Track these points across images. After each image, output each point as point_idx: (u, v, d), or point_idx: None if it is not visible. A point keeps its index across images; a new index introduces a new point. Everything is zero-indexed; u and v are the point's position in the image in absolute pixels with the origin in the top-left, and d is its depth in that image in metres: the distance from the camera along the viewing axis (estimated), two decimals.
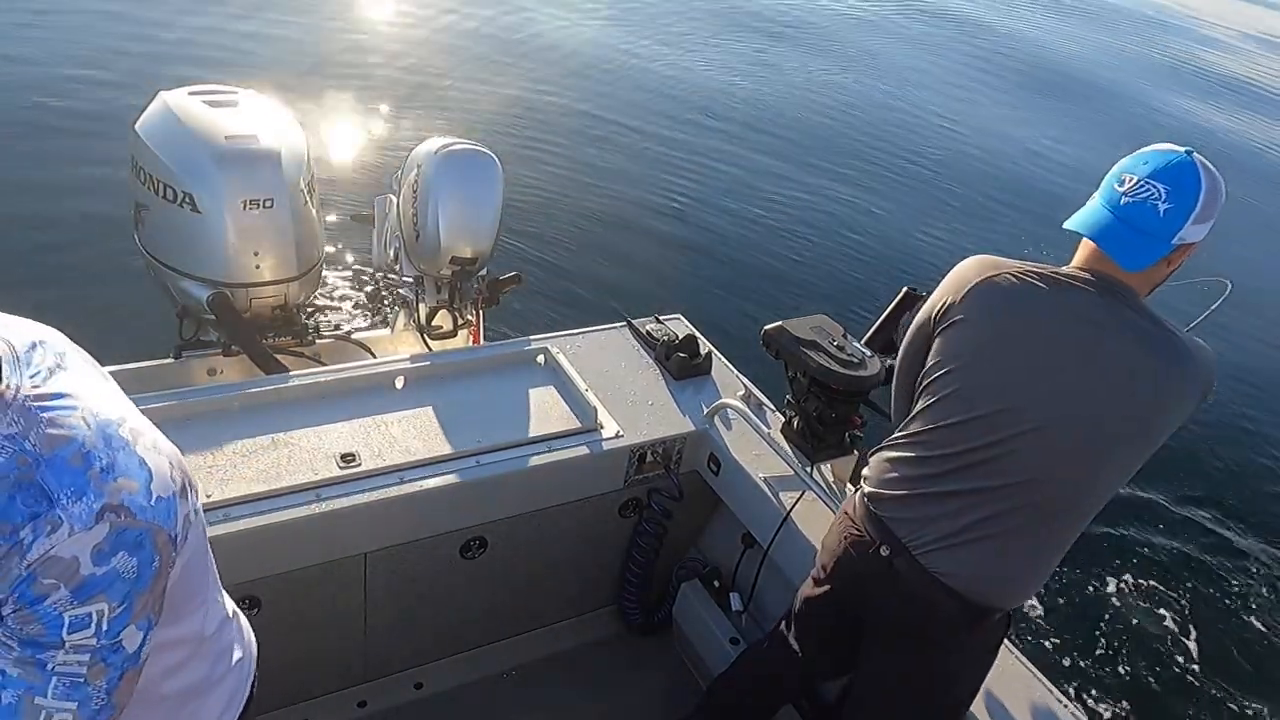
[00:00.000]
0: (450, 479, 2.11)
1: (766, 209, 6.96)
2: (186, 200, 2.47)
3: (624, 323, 2.78)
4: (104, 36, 7.38)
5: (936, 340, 1.75)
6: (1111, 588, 4.30)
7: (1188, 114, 12.42)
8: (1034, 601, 3.98)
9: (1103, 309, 1.62)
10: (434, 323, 2.91)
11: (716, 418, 2.46)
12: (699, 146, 7.76)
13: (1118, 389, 1.60)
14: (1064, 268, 1.70)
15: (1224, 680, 3.96)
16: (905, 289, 2.29)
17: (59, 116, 6.07)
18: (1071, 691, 3.62)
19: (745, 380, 2.65)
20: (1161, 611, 4.25)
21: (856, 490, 1.88)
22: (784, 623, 2.08)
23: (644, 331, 2.71)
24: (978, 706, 1.89)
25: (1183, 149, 1.60)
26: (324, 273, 2.95)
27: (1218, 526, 4.85)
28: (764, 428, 2.35)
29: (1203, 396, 1.64)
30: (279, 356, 2.70)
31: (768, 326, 2.28)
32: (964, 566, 1.68)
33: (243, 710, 1.34)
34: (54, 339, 1.04)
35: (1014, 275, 1.68)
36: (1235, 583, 4.52)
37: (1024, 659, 2.02)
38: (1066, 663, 3.86)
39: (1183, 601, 4.33)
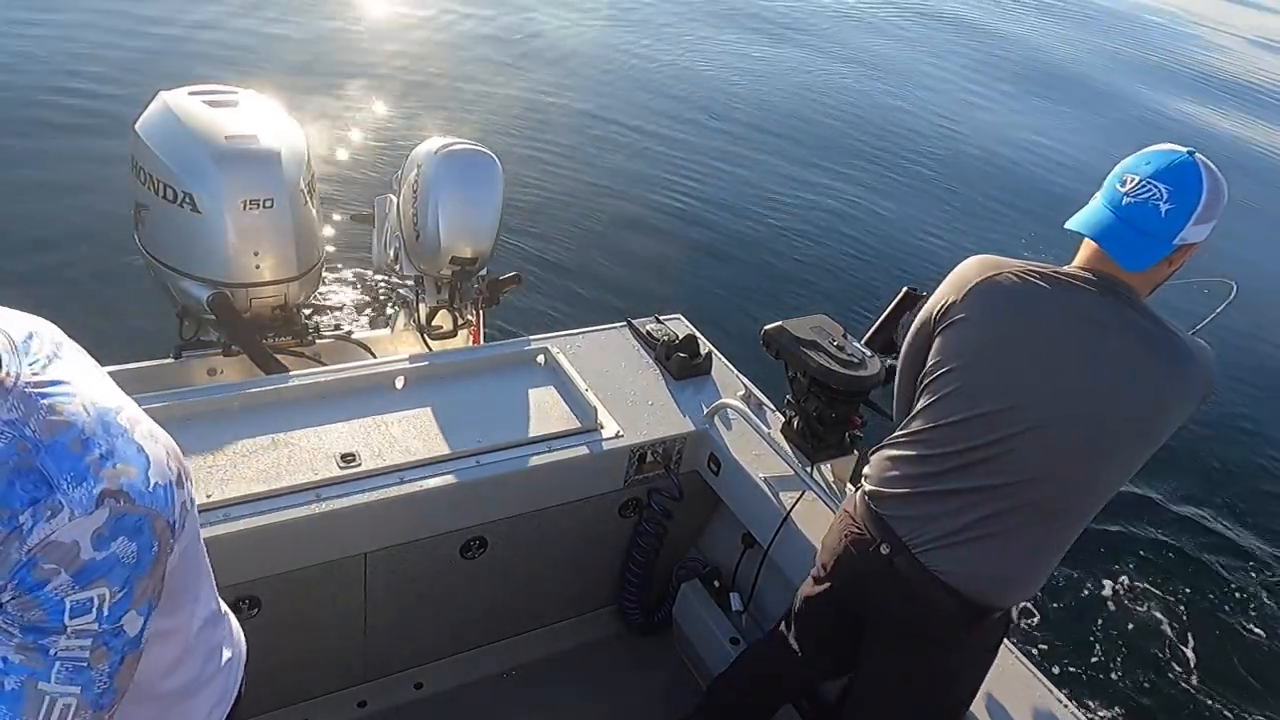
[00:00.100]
0: (450, 479, 2.11)
1: (766, 209, 6.96)
2: (186, 200, 2.47)
3: (624, 323, 2.78)
4: (104, 37, 7.38)
5: (937, 339, 1.76)
6: (1111, 587, 4.30)
7: (1192, 115, 12.42)
8: (1034, 601, 3.98)
9: (1104, 309, 1.62)
10: (434, 323, 2.91)
11: (716, 418, 2.46)
12: (699, 146, 7.76)
13: (1119, 389, 1.60)
14: (1065, 267, 1.70)
15: (1223, 680, 3.96)
16: (905, 289, 2.29)
17: (59, 116, 6.07)
18: (1071, 691, 3.62)
19: (745, 380, 2.65)
20: (1161, 611, 4.25)
21: (857, 489, 1.88)
22: (784, 622, 2.08)
23: (644, 331, 2.72)
24: (978, 706, 1.89)
25: (1185, 149, 1.60)
26: (324, 273, 2.95)
27: (1218, 526, 4.85)
28: (764, 428, 2.35)
29: (1203, 397, 1.64)
30: (279, 356, 2.70)
31: (768, 326, 2.28)
32: (964, 565, 1.68)
33: (231, 709, 1.34)
34: (48, 329, 1.05)
35: (1015, 274, 1.68)
36: (1236, 583, 4.52)
37: (1024, 658, 2.02)
38: (1066, 662, 3.87)
39: (1183, 601, 4.33)
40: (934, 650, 1.79)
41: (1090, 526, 1.73)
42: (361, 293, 4.78)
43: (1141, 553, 4.54)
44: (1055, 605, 4.11)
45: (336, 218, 4.89)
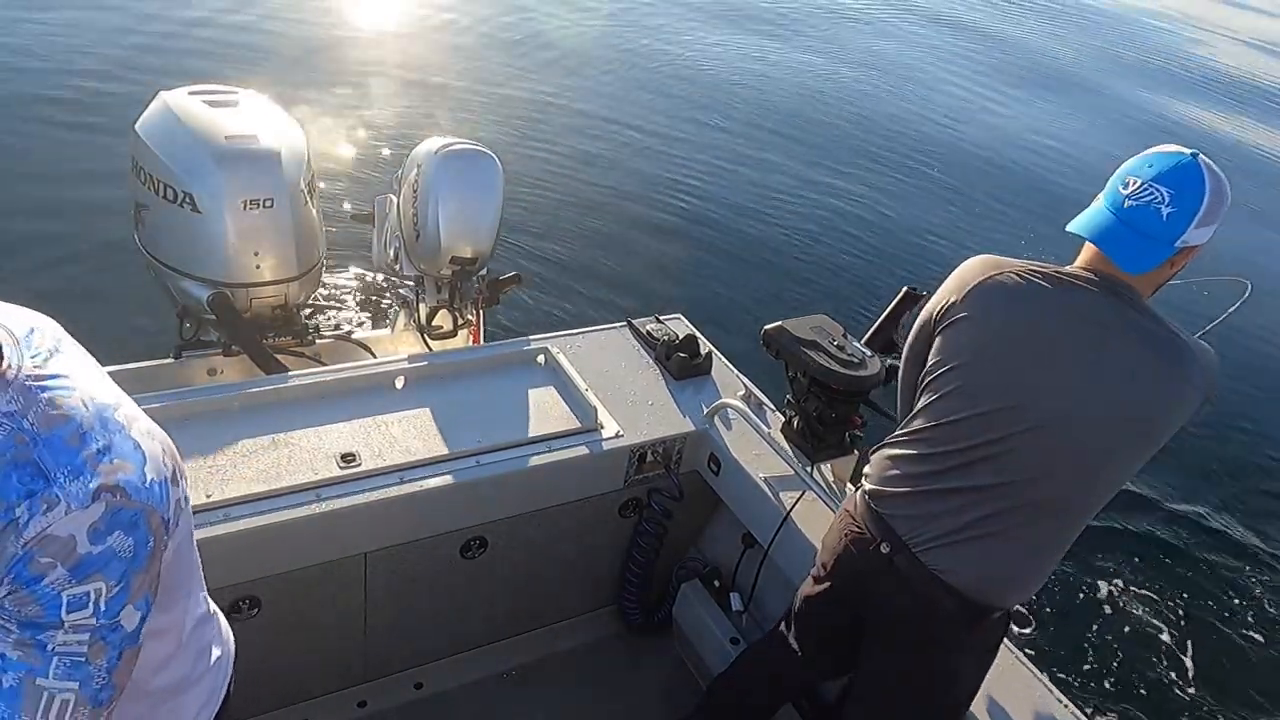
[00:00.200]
0: (450, 479, 2.11)
1: (767, 208, 6.96)
2: (186, 200, 2.47)
3: (624, 322, 2.78)
4: (104, 37, 7.39)
5: (938, 339, 1.76)
6: (1111, 587, 4.30)
7: (1199, 116, 12.40)
8: (1034, 600, 3.97)
9: (1106, 309, 1.62)
10: (434, 323, 2.91)
11: (716, 418, 2.46)
12: (700, 145, 7.76)
13: (1120, 389, 1.60)
14: (1067, 267, 1.70)
15: (1223, 680, 3.96)
16: (905, 288, 2.29)
17: (59, 116, 6.07)
18: (1071, 691, 3.62)
19: (745, 380, 2.65)
20: (1161, 611, 4.25)
21: (857, 489, 1.88)
22: (784, 622, 2.08)
23: (644, 331, 2.72)
24: (977, 706, 1.89)
25: (1189, 151, 1.59)
26: (324, 273, 2.95)
27: (1220, 527, 4.85)
28: (764, 428, 2.35)
29: (1205, 398, 1.63)
30: (279, 356, 2.70)
31: (768, 326, 2.28)
32: (964, 564, 1.68)
33: (220, 709, 1.34)
34: (50, 325, 1.05)
35: (1017, 274, 1.68)
36: (1237, 583, 4.52)
37: (1024, 658, 2.02)
38: (1066, 662, 3.86)
39: (1183, 601, 4.33)
40: (934, 650, 1.79)
41: (1090, 526, 1.73)
42: (361, 293, 4.78)
43: (1142, 552, 4.54)
44: (1055, 605, 4.11)
45: (336, 218, 4.88)
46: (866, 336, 2.30)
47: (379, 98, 7.42)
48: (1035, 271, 1.68)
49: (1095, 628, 4.08)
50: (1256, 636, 4.23)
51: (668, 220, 6.50)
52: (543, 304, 5.20)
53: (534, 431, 2.28)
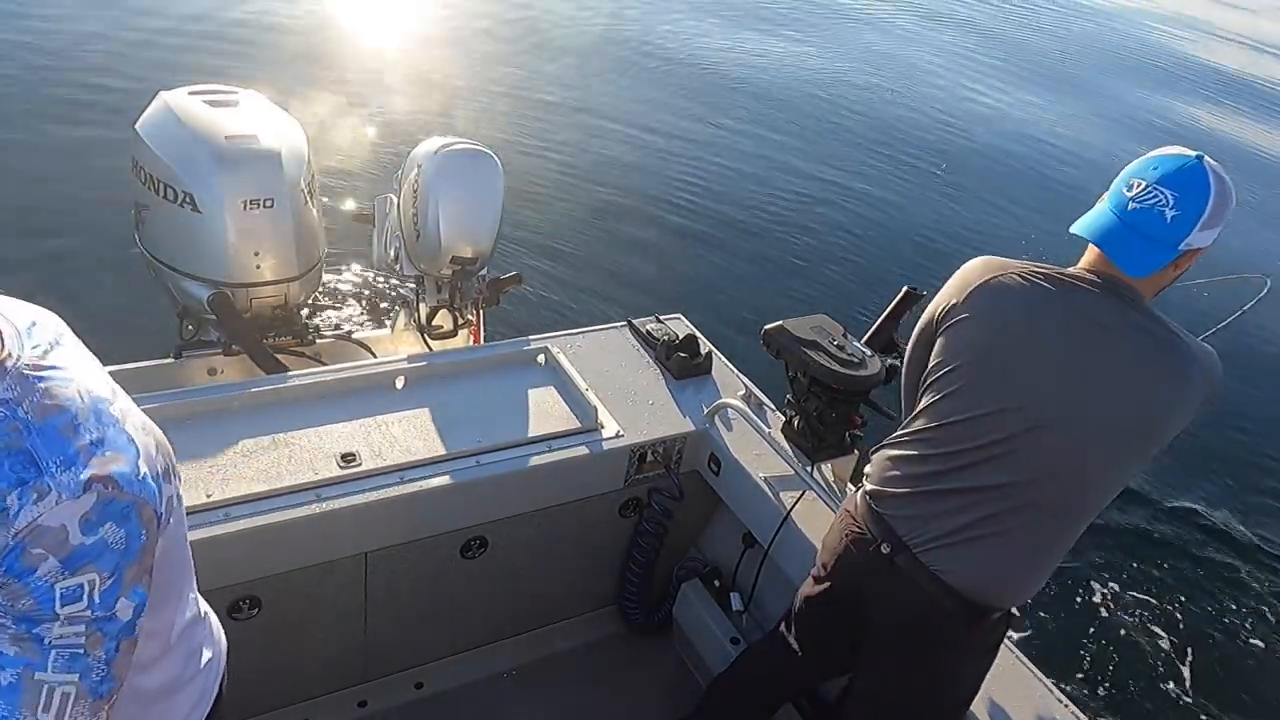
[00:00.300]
0: (450, 479, 2.11)
1: (767, 208, 6.96)
2: (187, 200, 2.47)
3: (624, 322, 2.78)
4: (104, 37, 7.39)
5: (940, 339, 1.76)
6: (1111, 587, 4.30)
7: (1207, 116, 12.40)
8: (1035, 600, 3.97)
9: (1108, 311, 1.62)
10: (434, 322, 2.91)
11: (717, 417, 2.46)
12: (700, 145, 7.76)
13: (1122, 391, 1.60)
14: (1070, 269, 1.70)
15: (1223, 679, 3.96)
16: (905, 288, 2.29)
17: (59, 117, 6.07)
18: (1071, 691, 3.62)
19: (746, 380, 2.65)
20: (1161, 611, 4.25)
21: (858, 489, 1.88)
22: (784, 622, 2.08)
23: (644, 331, 2.71)
24: (978, 706, 1.89)
25: (1194, 153, 1.59)
26: (324, 273, 2.95)
27: (1222, 527, 4.85)
28: (764, 427, 2.35)
29: (1207, 400, 1.63)
30: (279, 356, 2.70)
31: (768, 326, 2.28)
32: (965, 565, 1.68)
33: (211, 711, 1.33)
34: (51, 320, 1.06)
35: (1019, 275, 1.68)
36: (1238, 584, 4.52)
37: (1024, 658, 2.02)
38: (1066, 662, 3.86)
39: (1183, 601, 4.33)
40: (934, 650, 1.79)
41: (1091, 525, 1.72)
42: (362, 293, 4.79)
43: (1143, 552, 4.54)
44: (1055, 605, 4.11)
45: (337, 218, 4.88)
46: (867, 336, 2.30)
47: (379, 97, 7.42)
48: (1037, 273, 1.68)
49: (1095, 628, 4.08)
50: (1257, 636, 4.23)
51: (668, 220, 6.50)
52: (543, 304, 5.20)
53: (534, 431, 2.28)
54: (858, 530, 1.82)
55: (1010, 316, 1.68)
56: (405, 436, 2.18)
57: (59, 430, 0.93)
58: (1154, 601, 4.29)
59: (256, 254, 2.58)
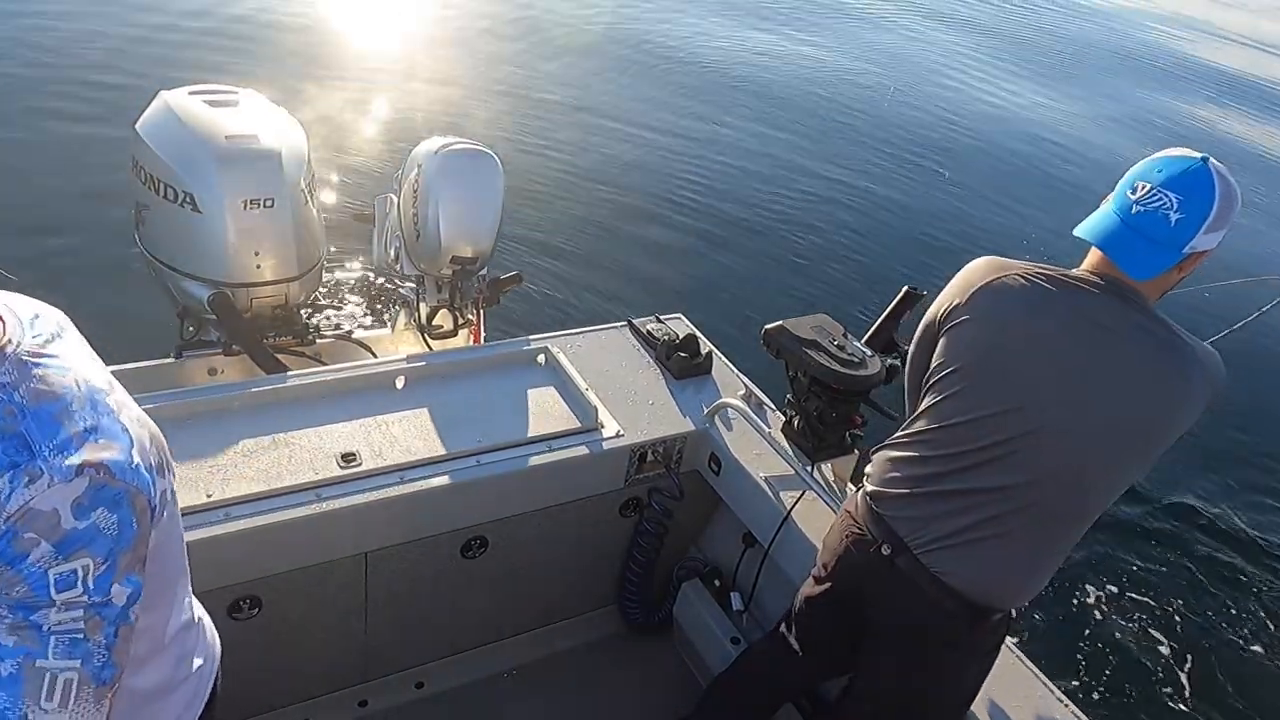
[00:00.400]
0: (451, 478, 2.11)
1: (767, 208, 6.96)
2: (187, 200, 2.47)
3: (624, 322, 2.78)
4: (104, 36, 7.39)
5: (942, 340, 1.76)
6: (1112, 587, 4.30)
7: (1216, 113, 12.38)
8: (1034, 601, 3.97)
9: (1111, 313, 1.62)
10: (434, 322, 2.91)
11: (717, 417, 2.46)
12: (701, 145, 7.76)
13: (1125, 393, 1.59)
14: (1073, 270, 1.70)
15: (1223, 679, 3.96)
16: (905, 288, 2.29)
17: (59, 116, 6.07)
18: (1071, 691, 3.62)
19: (746, 380, 2.65)
20: (1162, 611, 4.25)
21: (858, 489, 1.88)
22: (784, 622, 2.08)
23: (644, 331, 2.71)
24: (978, 706, 1.89)
25: (1199, 155, 1.58)
26: (324, 272, 2.95)
27: (1223, 528, 4.84)
28: (765, 427, 2.35)
29: (1210, 402, 1.62)
30: (279, 356, 2.70)
31: (768, 326, 2.28)
32: (965, 566, 1.68)
33: (204, 714, 1.33)
34: (54, 314, 1.07)
35: (1021, 277, 1.68)
36: (1238, 583, 4.51)
37: (1024, 659, 2.02)
38: (1066, 662, 3.86)
39: (1184, 601, 4.32)
40: (935, 650, 1.79)
41: (1093, 527, 1.72)
42: (362, 292, 4.77)
43: (1144, 553, 4.54)
44: (1056, 605, 4.11)
45: (336, 218, 4.88)
46: (867, 336, 2.30)
47: (379, 97, 7.42)
48: (1040, 274, 1.67)
49: (1095, 628, 4.08)
50: (1257, 637, 4.23)
51: (668, 219, 6.50)
52: (543, 304, 5.20)
53: (534, 431, 2.28)
54: (858, 531, 1.82)
55: (1012, 318, 1.68)
56: (405, 436, 2.18)
57: (53, 415, 0.94)
58: (1154, 602, 4.28)
59: (257, 254, 2.58)
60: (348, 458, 2.07)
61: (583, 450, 2.27)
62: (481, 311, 2.94)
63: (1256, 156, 11.09)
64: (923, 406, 1.77)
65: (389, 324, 3.26)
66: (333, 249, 4.75)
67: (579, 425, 2.33)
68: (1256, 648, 4.17)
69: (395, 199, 2.94)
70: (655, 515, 2.51)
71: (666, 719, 2.49)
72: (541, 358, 2.55)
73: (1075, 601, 4.18)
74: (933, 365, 1.77)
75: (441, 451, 2.15)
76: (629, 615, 2.73)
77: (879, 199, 7.54)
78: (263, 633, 2.10)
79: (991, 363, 1.69)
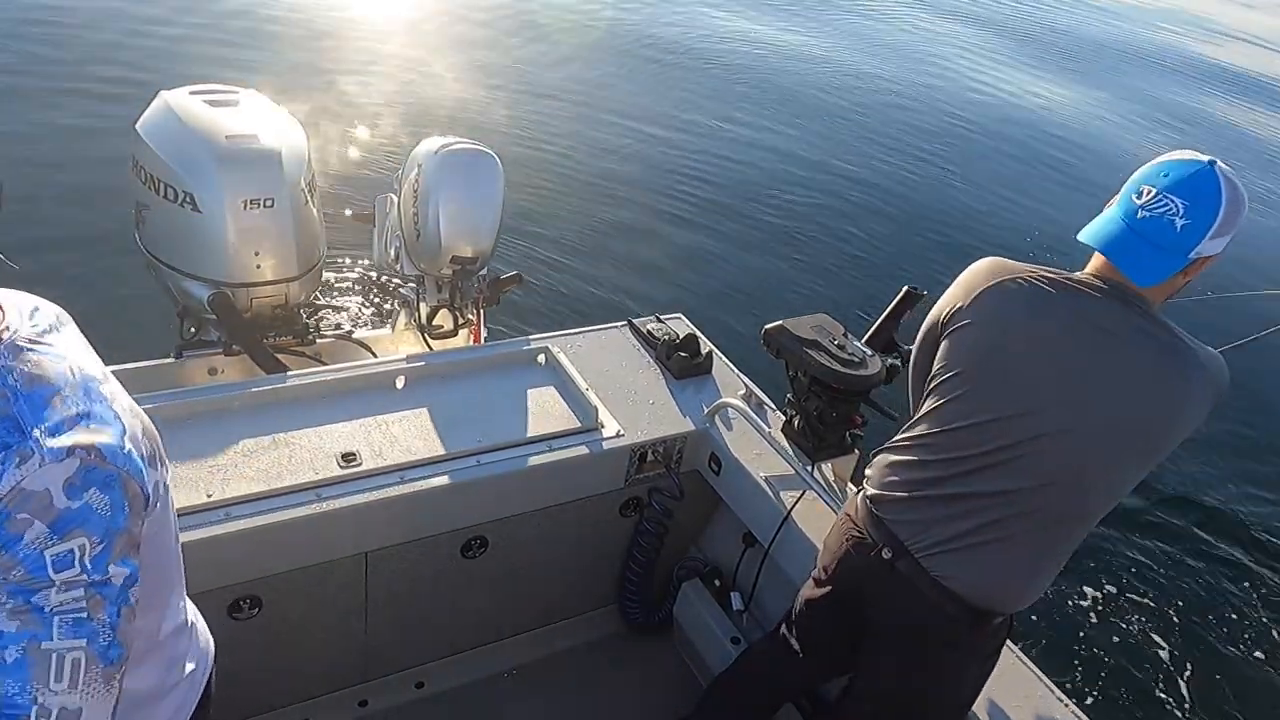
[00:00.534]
0: (451, 478, 2.10)
1: (768, 208, 6.96)
2: (187, 200, 2.47)
3: (625, 322, 2.78)
4: (105, 36, 7.38)
5: (944, 343, 1.75)
6: (1112, 587, 4.30)
7: (1223, 111, 12.34)
8: (1035, 601, 3.96)
9: (1113, 316, 1.61)
10: (435, 322, 2.91)
11: (717, 417, 2.46)
12: (701, 144, 7.76)
13: (1125, 394, 1.59)
14: (1077, 273, 1.69)
15: (1223, 679, 3.96)
16: (906, 288, 2.29)
17: (59, 116, 6.07)
18: (1072, 692, 3.62)
19: (746, 379, 2.65)
20: (1162, 611, 4.24)
21: (859, 491, 1.88)
22: (785, 623, 2.08)
23: (645, 331, 2.71)
24: (978, 706, 1.89)
25: (1205, 159, 1.56)
26: (325, 272, 2.95)
27: (1224, 529, 4.83)
28: (765, 427, 2.35)
29: (1214, 406, 1.62)
30: (280, 356, 2.70)
31: (768, 325, 2.28)
32: (966, 570, 1.67)
33: (195, 716, 1.32)
34: (53, 308, 1.09)
35: (1025, 280, 1.67)
36: (1238, 584, 4.51)
37: (1025, 660, 2.02)
38: (1066, 662, 3.86)
39: (1184, 601, 4.32)
40: (936, 654, 1.79)
41: (1095, 529, 1.72)
42: (362, 292, 4.78)
43: (1144, 553, 4.53)
44: (1056, 605, 4.11)
45: (337, 217, 4.88)
46: (867, 336, 2.29)
47: (379, 97, 7.42)
48: (1044, 277, 1.66)
49: (1096, 628, 4.08)
50: (1257, 637, 4.22)
51: (668, 219, 6.50)
52: (543, 303, 5.20)
53: (534, 431, 2.28)
54: (858, 534, 1.82)
55: (1013, 320, 1.68)
56: (405, 436, 2.18)
57: (46, 399, 0.94)
58: (1154, 602, 4.28)
59: (257, 254, 2.58)
60: (348, 457, 2.07)
61: (583, 450, 2.27)
62: (481, 311, 2.94)
63: (1261, 153, 11.07)
64: (924, 410, 1.77)
65: (389, 324, 3.26)
66: (333, 249, 4.76)
67: (579, 425, 2.33)
68: (1257, 648, 4.17)
69: (395, 199, 2.94)
70: (655, 515, 2.51)
71: (666, 719, 2.49)
72: (542, 357, 2.55)
73: (1075, 602, 4.18)
74: (935, 368, 1.76)
75: (441, 451, 2.15)
76: (629, 615, 2.73)
77: (881, 197, 7.53)
78: (263, 633, 2.10)
79: (993, 366, 1.68)
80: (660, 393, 2.53)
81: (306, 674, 2.34)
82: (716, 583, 2.60)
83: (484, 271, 2.86)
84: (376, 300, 4.59)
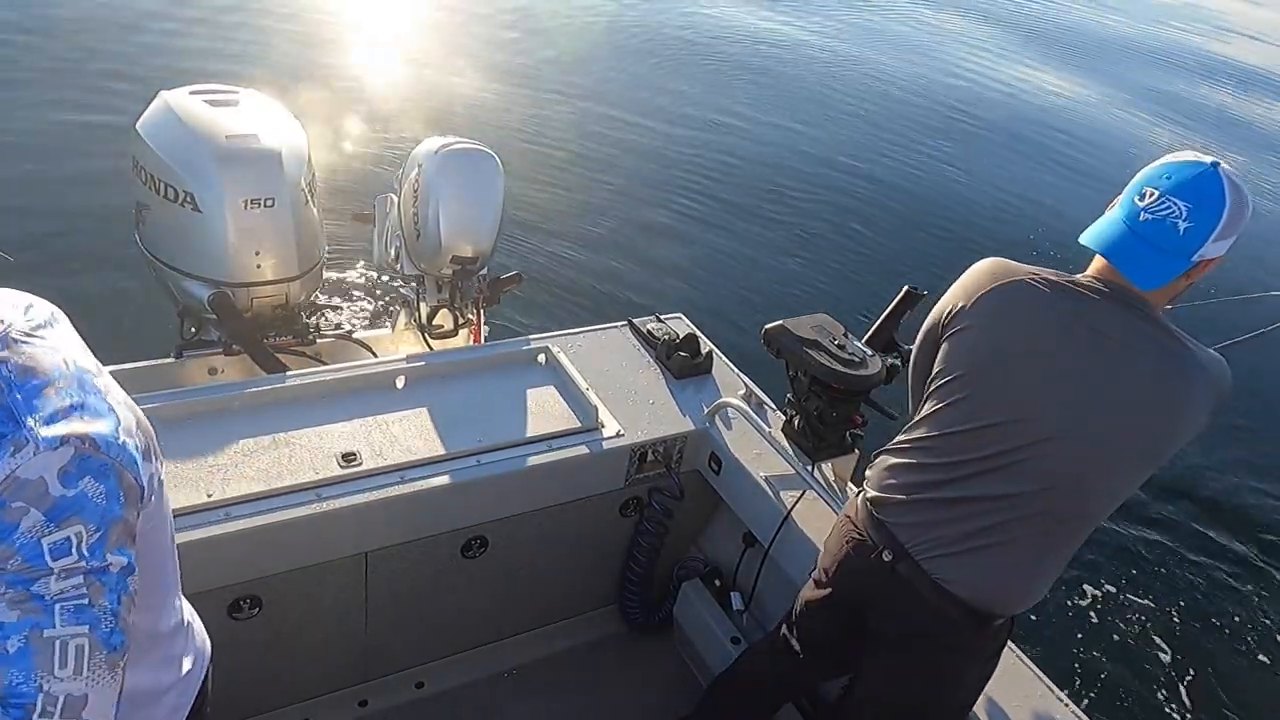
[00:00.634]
0: (451, 478, 2.10)
1: (768, 208, 6.96)
2: (187, 199, 2.47)
3: (625, 322, 2.78)
4: (105, 36, 7.38)
5: (945, 344, 1.74)
6: (1112, 588, 4.30)
7: (1232, 108, 12.31)
8: (1037, 603, 3.97)
9: (1113, 318, 1.60)
10: (435, 322, 2.91)
11: (717, 417, 2.46)
12: (700, 144, 7.75)
13: (1130, 401, 1.58)
14: (1078, 276, 1.68)
15: (1225, 681, 3.95)
16: (906, 288, 2.29)
17: (60, 116, 6.07)
18: (1073, 693, 3.62)
19: (746, 379, 2.65)
20: (1162, 612, 4.24)
21: (859, 493, 1.87)
22: (785, 623, 2.08)
23: (645, 331, 2.71)
24: (978, 706, 1.89)
25: (1208, 160, 1.55)
26: (325, 272, 2.95)
27: (1224, 530, 4.83)
28: (765, 427, 2.35)
29: (1216, 409, 1.61)
30: (280, 356, 2.70)
31: (768, 325, 2.28)
32: (967, 573, 1.67)
33: (192, 717, 1.32)
34: (48, 306, 1.09)
35: (1027, 282, 1.66)
36: (1239, 585, 4.51)
37: (1027, 661, 2.02)
38: (1066, 662, 3.86)
39: (1184, 602, 4.32)
40: (936, 655, 1.78)
41: (1096, 530, 1.72)
42: (362, 292, 4.79)
43: (1145, 553, 4.53)
44: (1056, 606, 4.10)
45: (337, 217, 4.88)
46: (867, 336, 2.29)
47: (380, 97, 7.42)
48: (1045, 280, 1.66)
49: (1096, 628, 4.08)
50: (1257, 638, 4.22)
51: (668, 219, 6.50)
52: (543, 303, 5.20)
53: (534, 431, 2.28)
54: (859, 536, 1.81)
55: (1013, 323, 1.67)
56: (405, 436, 2.18)
57: (40, 390, 0.95)
58: (1154, 603, 4.28)
59: (257, 253, 2.58)
60: (348, 457, 2.07)
61: (583, 450, 2.27)
62: (481, 311, 2.94)
63: (1265, 152, 11.06)
64: (924, 412, 1.76)
65: (389, 324, 3.27)
66: (333, 249, 4.76)
67: (579, 425, 2.33)
68: (1258, 648, 4.17)
69: (395, 199, 2.94)
70: (655, 515, 2.51)
71: (666, 719, 2.49)
72: (542, 357, 2.55)
73: (1076, 602, 4.18)
74: (935, 370, 1.76)
75: (441, 451, 2.15)
76: (629, 615, 2.73)
77: (883, 195, 7.53)
78: (263, 632, 2.10)
79: (993, 369, 1.68)
80: (660, 392, 2.53)
81: (306, 674, 2.34)
82: (717, 583, 2.60)
83: (484, 271, 2.86)
84: (377, 300, 4.60)
